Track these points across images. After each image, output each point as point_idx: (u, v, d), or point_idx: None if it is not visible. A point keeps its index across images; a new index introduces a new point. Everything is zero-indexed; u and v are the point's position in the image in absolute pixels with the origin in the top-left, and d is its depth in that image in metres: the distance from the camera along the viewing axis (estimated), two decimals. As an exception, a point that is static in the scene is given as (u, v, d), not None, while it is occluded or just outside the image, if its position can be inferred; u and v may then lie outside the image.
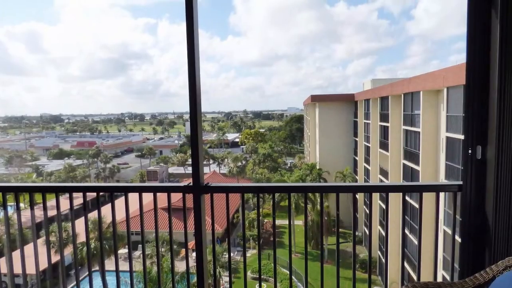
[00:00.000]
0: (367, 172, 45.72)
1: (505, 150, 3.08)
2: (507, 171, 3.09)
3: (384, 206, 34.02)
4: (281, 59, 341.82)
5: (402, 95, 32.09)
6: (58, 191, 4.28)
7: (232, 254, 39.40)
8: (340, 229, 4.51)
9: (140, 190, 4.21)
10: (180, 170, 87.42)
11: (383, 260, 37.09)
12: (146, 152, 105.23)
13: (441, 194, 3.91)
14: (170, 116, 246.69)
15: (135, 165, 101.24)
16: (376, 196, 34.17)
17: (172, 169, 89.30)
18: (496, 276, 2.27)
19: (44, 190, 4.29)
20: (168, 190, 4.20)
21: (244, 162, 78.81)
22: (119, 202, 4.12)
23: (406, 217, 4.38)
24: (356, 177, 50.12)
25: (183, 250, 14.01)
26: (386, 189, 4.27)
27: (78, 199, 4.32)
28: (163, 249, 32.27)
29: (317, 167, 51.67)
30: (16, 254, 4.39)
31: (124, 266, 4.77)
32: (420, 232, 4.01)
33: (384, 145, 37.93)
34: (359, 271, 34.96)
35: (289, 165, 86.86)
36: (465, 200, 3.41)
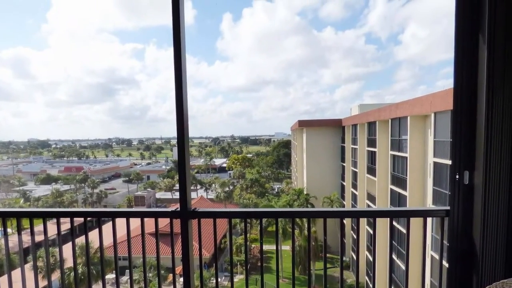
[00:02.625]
0: (354, 197, 45.67)
1: (493, 175, 3.10)
2: (494, 196, 3.11)
3: (371, 231, 33.98)
4: (269, 84, 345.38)
5: (390, 120, 32.31)
6: (45, 216, 4.26)
7: (219, 279, 38.93)
8: (327, 254, 4.50)
9: (128, 215, 4.18)
10: (168, 195, 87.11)
11: (371, 285, 36.90)
12: (133, 177, 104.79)
13: (429, 219, 3.92)
14: (158, 141, 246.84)
15: (123, 190, 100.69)
16: (363, 221, 34.18)
17: (160, 194, 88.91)
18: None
19: (32, 216, 4.27)
20: (156, 215, 4.19)
21: (231, 187, 78.62)
22: (107, 227, 4.10)
23: (393, 242, 4.38)
24: (344, 202, 50.05)
25: (171, 275, 13.87)
26: (374, 214, 4.26)
27: (66, 224, 4.29)
28: (150, 274, 32.09)
29: (305, 192, 51.58)
30: (4, 280, 4.34)
31: (111, 292, 4.73)
32: (407, 257, 4.01)
33: (371, 170, 38.03)
34: (347, 297, 34.80)
35: (276, 190, 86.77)
36: (452, 225, 3.41)
